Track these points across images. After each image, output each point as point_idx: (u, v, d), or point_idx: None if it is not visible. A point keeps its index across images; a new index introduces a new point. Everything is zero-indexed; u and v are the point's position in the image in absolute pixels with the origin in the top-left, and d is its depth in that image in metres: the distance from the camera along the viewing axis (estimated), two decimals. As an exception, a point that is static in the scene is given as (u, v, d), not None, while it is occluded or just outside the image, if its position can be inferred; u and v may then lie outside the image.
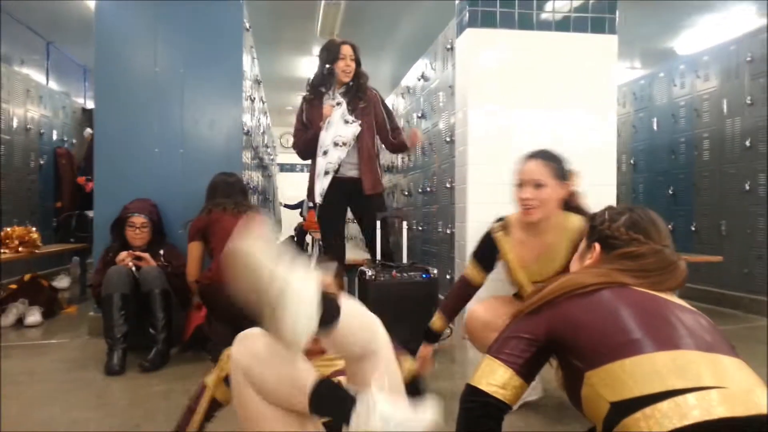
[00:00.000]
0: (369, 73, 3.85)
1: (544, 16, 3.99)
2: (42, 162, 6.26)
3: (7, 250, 4.21)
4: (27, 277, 4.62)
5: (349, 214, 4.03)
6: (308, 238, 10.57)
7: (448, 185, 4.36)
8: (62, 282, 5.61)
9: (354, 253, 5.26)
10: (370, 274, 3.29)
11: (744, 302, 4.79)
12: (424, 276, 3.34)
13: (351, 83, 3.60)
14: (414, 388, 1.71)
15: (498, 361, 1.36)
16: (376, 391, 1.33)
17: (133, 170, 3.82)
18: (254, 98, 5.26)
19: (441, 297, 3.26)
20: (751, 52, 4.72)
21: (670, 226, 4.62)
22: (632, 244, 1.44)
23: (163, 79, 3.88)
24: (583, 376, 1.25)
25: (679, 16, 6.80)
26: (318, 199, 3.43)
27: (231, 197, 3.38)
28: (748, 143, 4.72)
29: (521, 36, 3.96)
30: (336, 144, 3.48)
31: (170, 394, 2.68)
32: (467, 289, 2.48)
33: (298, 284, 1.29)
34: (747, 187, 4.73)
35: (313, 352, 1.62)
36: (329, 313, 1.35)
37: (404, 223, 3.66)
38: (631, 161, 6.25)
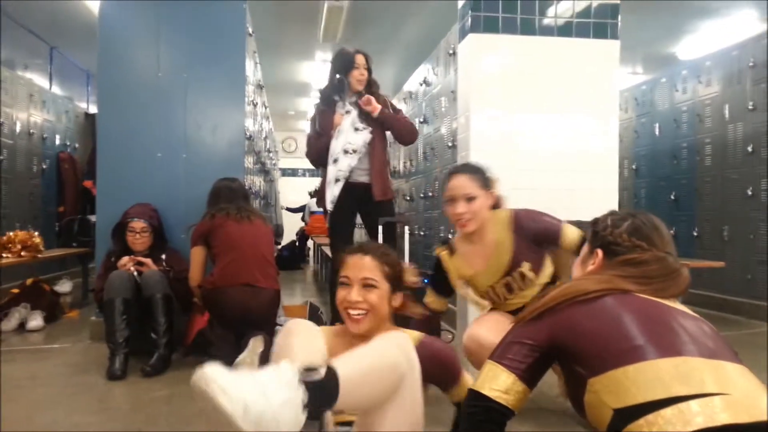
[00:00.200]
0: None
1: (546, 21, 4.00)
2: (45, 167, 6.27)
3: (9, 255, 4.22)
4: (29, 281, 4.62)
5: (357, 219, 4.03)
6: (310, 243, 10.61)
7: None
8: (64, 286, 5.61)
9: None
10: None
11: (746, 308, 4.78)
12: (425, 281, 3.33)
13: (363, 91, 3.62)
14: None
15: (501, 366, 1.35)
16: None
17: (136, 174, 3.82)
18: (256, 103, 5.28)
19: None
20: (754, 57, 4.72)
21: (672, 232, 4.63)
22: (635, 251, 1.44)
23: (165, 83, 3.90)
24: (586, 382, 1.25)
25: (681, 22, 6.81)
26: (329, 207, 3.44)
27: (233, 202, 3.38)
28: (750, 149, 4.72)
29: (523, 41, 3.96)
30: (346, 151, 3.49)
31: (172, 399, 2.68)
32: (434, 317, 2.56)
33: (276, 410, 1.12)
34: (749, 193, 4.72)
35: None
36: (322, 401, 1.19)
37: (406, 228, 3.66)
38: (633, 166, 6.25)
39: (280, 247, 9.53)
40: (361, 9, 6.32)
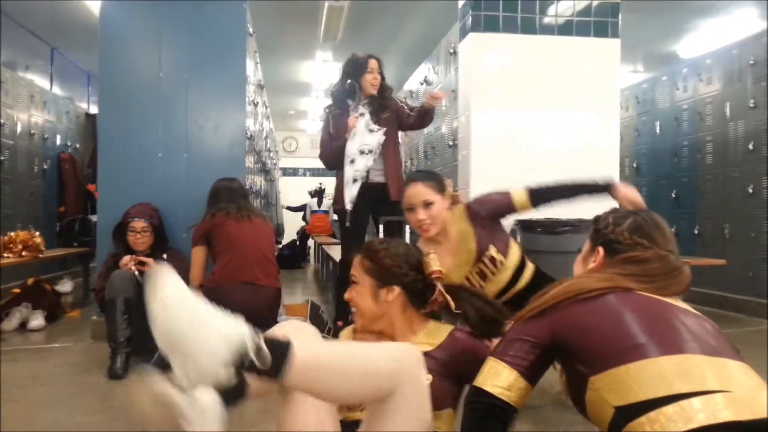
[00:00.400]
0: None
1: (546, 20, 4.00)
2: (46, 167, 6.28)
3: (10, 255, 4.22)
4: (30, 281, 4.63)
5: None
6: (310, 242, 10.62)
7: (451, 189, 4.35)
8: (65, 286, 5.61)
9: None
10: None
11: (748, 305, 4.78)
12: None
13: (376, 95, 3.64)
14: None
15: (503, 362, 1.35)
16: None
17: (137, 174, 3.83)
18: (257, 103, 5.28)
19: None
20: (754, 55, 4.72)
21: (673, 230, 4.61)
22: (636, 249, 1.43)
23: (167, 83, 3.90)
24: (588, 381, 1.24)
25: (682, 20, 6.80)
26: (348, 206, 3.46)
27: (233, 202, 3.38)
28: (751, 146, 4.72)
29: (524, 40, 3.97)
30: (362, 152, 3.53)
31: (174, 398, 2.67)
32: None
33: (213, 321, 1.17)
34: (750, 191, 4.72)
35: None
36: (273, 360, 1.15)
37: (407, 227, 3.66)
38: (634, 164, 6.25)
39: (280, 246, 9.54)
40: (362, 8, 6.32)
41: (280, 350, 1.16)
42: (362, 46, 7.56)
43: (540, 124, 3.98)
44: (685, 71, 5.57)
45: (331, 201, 3.73)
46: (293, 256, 9.59)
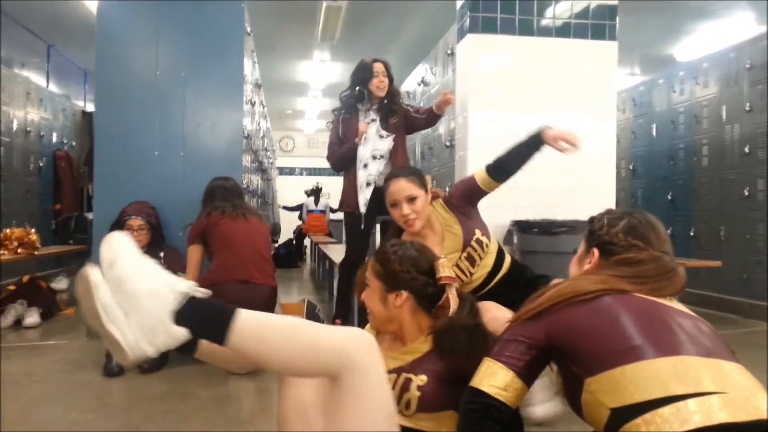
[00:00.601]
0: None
1: (544, 22, 4.00)
2: (41, 164, 6.26)
3: (6, 252, 4.21)
4: (26, 278, 4.61)
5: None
6: (307, 241, 10.61)
7: (447, 189, 4.36)
8: (61, 284, 5.60)
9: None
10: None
11: (743, 307, 4.80)
12: None
13: (385, 100, 3.66)
14: None
15: (499, 363, 1.36)
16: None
17: (134, 173, 3.82)
18: (254, 102, 5.27)
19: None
20: (751, 59, 4.73)
21: (669, 232, 4.62)
22: (631, 250, 1.43)
23: (164, 82, 3.89)
24: (583, 382, 1.25)
25: (679, 23, 6.83)
26: (362, 209, 3.51)
27: (228, 201, 3.38)
28: (747, 149, 4.74)
29: (522, 42, 3.97)
30: (374, 157, 3.58)
31: (169, 396, 2.68)
32: None
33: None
34: (746, 193, 4.74)
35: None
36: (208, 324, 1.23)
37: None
38: (631, 167, 6.26)
39: (277, 245, 9.53)
40: (360, 9, 6.33)
41: (225, 312, 1.24)
42: (360, 46, 7.59)
43: (537, 126, 3.98)
44: (681, 74, 5.59)
45: (338, 202, 3.75)
46: (290, 256, 9.58)
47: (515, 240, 3.68)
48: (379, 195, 3.66)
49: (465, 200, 2.49)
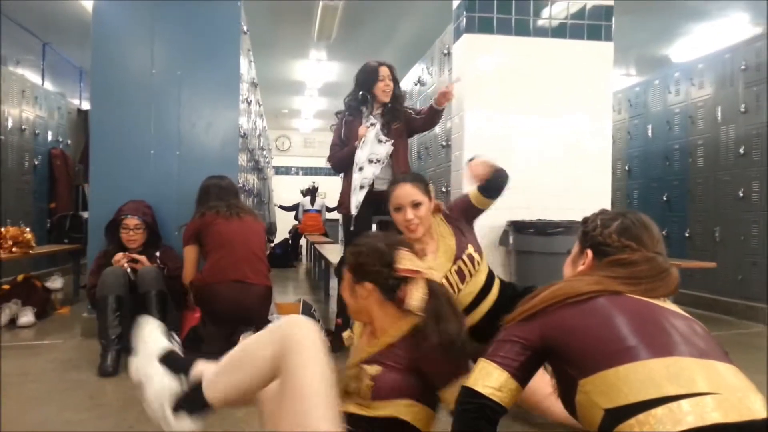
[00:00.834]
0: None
1: (540, 22, 4.01)
2: (37, 163, 6.24)
3: (0, 251, 4.19)
4: (20, 277, 4.60)
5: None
6: (302, 241, 10.60)
7: (444, 189, 4.36)
8: (56, 283, 5.58)
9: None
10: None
11: (737, 308, 4.81)
12: None
13: (389, 104, 3.66)
14: None
15: (493, 363, 1.36)
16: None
17: (129, 172, 3.81)
18: (251, 101, 5.27)
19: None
20: (746, 60, 4.75)
21: (663, 232, 4.61)
22: (624, 252, 1.44)
23: (159, 81, 3.88)
24: (577, 383, 1.25)
25: (674, 24, 6.84)
26: (353, 211, 3.51)
27: (224, 200, 3.38)
28: (742, 151, 4.75)
29: (518, 42, 3.98)
30: (371, 161, 3.59)
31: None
32: None
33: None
34: (741, 194, 4.75)
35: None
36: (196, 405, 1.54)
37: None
38: (626, 167, 6.28)
39: (272, 245, 9.52)
40: (356, 8, 6.32)
41: (198, 393, 1.54)
42: (356, 45, 7.58)
43: (533, 126, 3.99)
44: (677, 75, 5.61)
45: (336, 203, 3.75)
46: (285, 255, 9.57)
47: (511, 240, 3.69)
48: (376, 196, 3.67)
49: (463, 216, 2.54)
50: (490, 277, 2.54)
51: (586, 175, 4.00)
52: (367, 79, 3.66)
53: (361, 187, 3.55)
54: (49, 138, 6.60)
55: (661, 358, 1.18)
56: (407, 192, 2.40)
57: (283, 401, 1.43)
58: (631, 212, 1.53)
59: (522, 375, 1.36)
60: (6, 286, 4.48)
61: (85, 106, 7.86)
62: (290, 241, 10.22)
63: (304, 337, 1.46)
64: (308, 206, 10.00)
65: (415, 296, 1.63)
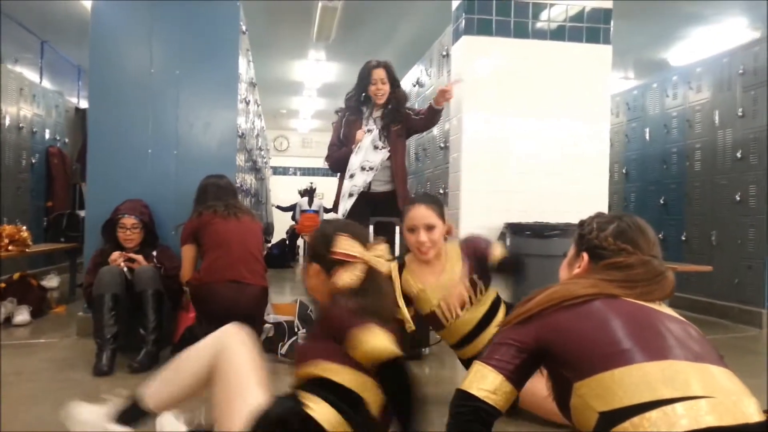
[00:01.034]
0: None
1: (539, 25, 4.02)
2: (34, 161, 6.23)
3: (-4, 249, 4.18)
4: (16, 275, 4.59)
5: None
6: (300, 242, 10.59)
7: (441, 191, 4.37)
8: (52, 281, 5.56)
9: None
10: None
11: (733, 312, 4.82)
12: None
13: (389, 105, 3.65)
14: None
15: (488, 366, 1.36)
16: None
17: (126, 171, 3.81)
18: (249, 101, 5.26)
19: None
20: (744, 64, 4.76)
21: (660, 236, 4.61)
22: (620, 255, 1.44)
23: (158, 80, 3.88)
24: (572, 386, 1.25)
25: (673, 28, 6.86)
26: (340, 218, 3.51)
27: (222, 199, 3.37)
28: (739, 155, 4.76)
29: (517, 44, 3.98)
30: (363, 168, 3.59)
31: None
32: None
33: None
34: (738, 198, 4.76)
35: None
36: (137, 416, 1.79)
37: (397, 228, 3.67)
38: (624, 170, 6.29)
39: (270, 245, 9.51)
40: (355, 9, 6.33)
41: (136, 405, 1.78)
42: (355, 46, 7.58)
43: (531, 128, 3.99)
44: (675, 79, 5.62)
45: (332, 203, 3.76)
46: (282, 256, 9.56)
47: (508, 242, 3.69)
48: (373, 197, 3.67)
49: (473, 256, 2.47)
50: (495, 306, 2.51)
51: (583, 177, 4.00)
52: (362, 80, 3.66)
53: (350, 194, 3.55)
54: (47, 136, 6.59)
55: (656, 361, 1.19)
56: (422, 214, 2.41)
57: (220, 393, 1.66)
58: (627, 215, 1.53)
59: (517, 378, 1.36)
60: (2, 285, 4.47)
61: (83, 104, 7.85)
62: (287, 242, 10.21)
63: (236, 343, 1.72)
64: (306, 207, 10.00)
65: (343, 277, 1.71)
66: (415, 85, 5.40)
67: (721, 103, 5.01)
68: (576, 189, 3.96)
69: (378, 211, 3.68)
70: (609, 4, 4.06)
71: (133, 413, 1.79)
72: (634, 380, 1.16)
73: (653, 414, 1.11)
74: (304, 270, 1.90)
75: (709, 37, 6.93)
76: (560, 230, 3.40)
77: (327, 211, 9.73)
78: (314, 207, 9.95)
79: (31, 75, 7.33)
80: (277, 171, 14.32)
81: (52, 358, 3.32)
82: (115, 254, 3.33)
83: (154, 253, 3.49)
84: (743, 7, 6.14)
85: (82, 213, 5.04)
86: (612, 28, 4.07)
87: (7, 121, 5.67)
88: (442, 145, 4.45)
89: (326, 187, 11.08)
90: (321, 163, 3.82)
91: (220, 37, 3.96)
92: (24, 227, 4.49)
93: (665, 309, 1.36)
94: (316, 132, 14.28)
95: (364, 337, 1.56)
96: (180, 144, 3.89)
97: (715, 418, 1.08)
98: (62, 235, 5.73)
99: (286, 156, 14.79)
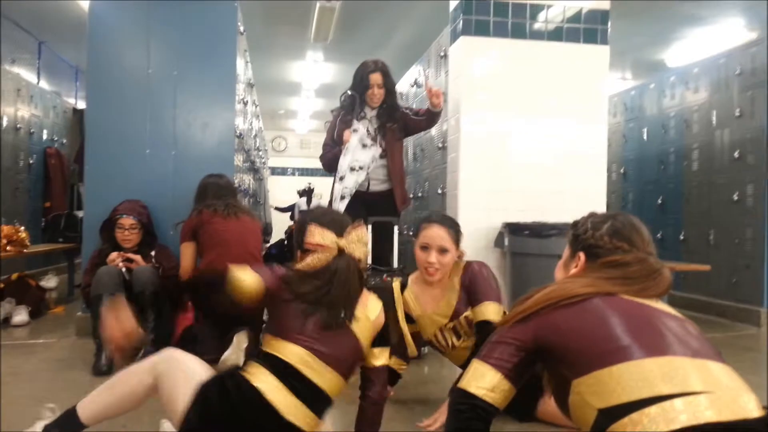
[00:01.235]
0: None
1: (537, 25, 4.02)
2: (31, 161, 6.22)
3: (-6, 249, 4.18)
4: (14, 276, 4.58)
5: None
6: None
7: (439, 191, 4.37)
8: (50, 282, 5.55)
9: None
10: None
11: (731, 311, 4.83)
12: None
13: (384, 105, 3.64)
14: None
15: (487, 365, 1.37)
16: None
17: (125, 171, 3.81)
18: (247, 101, 5.26)
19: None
20: (741, 65, 4.77)
21: (658, 235, 4.62)
22: (616, 253, 1.45)
23: (155, 80, 3.88)
24: (571, 384, 1.26)
25: (670, 29, 6.86)
26: None
27: (222, 199, 3.37)
28: (736, 154, 4.77)
29: (514, 45, 3.99)
30: (352, 169, 3.56)
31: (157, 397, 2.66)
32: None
33: None
34: (735, 198, 4.77)
35: None
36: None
37: (395, 228, 3.67)
38: (622, 170, 6.30)
39: (268, 245, 9.49)
40: (353, 9, 6.32)
41: (71, 415, 1.84)
42: (353, 47, 7.58)
43: (529, 129, 4.00)
44: (672, 79, 5.63)
45: (328, 205, 3.75)
46: (281, 255, 9.54)
47: (506, 242, 3.70)
48: (371, 197, 3.67)
49: (469, 293, 2.41)
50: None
51: (581, 177, 4.01)
52: (358, 82, 3.66)
53: (342, 197, 3.53)
54: (45, 137, 6.58)
55: (654, 357, 1.19)
56: (439, 235, 2.36)
57: (164, 399, 1.75)
58: (621, 214, 1.54)
59: (515, 375, 1.36)
60: (0, 285, 4.47)
61: (81, 105, 7.83)
62: (286, 242, 10.19)
63: (173, 365, 1.76)
64: (304, 207, 9.98)
65: (305, 261, 1.82)
66: (413, 86, 5.40)
67: (718, 104, 5.02)
68: (574, 189, 3.97)
69: (374, 211, 3.67)
70: (606, 5, 4.07)
71: (68, 424, 1.83)
72: (632, 376, 1.17)
73: (652, 410, 1.11)
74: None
75: (707, 37, 6.94)
76: (558, 229, 3.41)
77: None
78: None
79: (29, 76, 7.32)
80: (275, 171, 14.31)
81: (51, 359, 3.32)
82: (113, 254, 3.33)
83: (153, 253, 3.48)
84: (740, 8, 6.14)
85: (80, 213, 5.04)
86: (609, 29, 4.08)
87: (5, 122, 5.66)
88: (440, 145, 4.45)
89: (325, 188, 11.04)
90: (319, 163, 3.81)
91: (218, 38, 3.96)
92: (22, 228, 4.49)
93: (663, 306, 1.37)
94: (315, 133, 14.26)
95: (235, 274, 1.82)
96: (178, 144, 3.88)
97: (714, 413, 1.09)
98: (60, 235, 5.72)
99: (285, 156, 14.78)
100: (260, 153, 9.00)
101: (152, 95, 3.88)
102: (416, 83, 5.28)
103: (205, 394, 1.64)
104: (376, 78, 3.61)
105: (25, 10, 6.44)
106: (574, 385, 1.25)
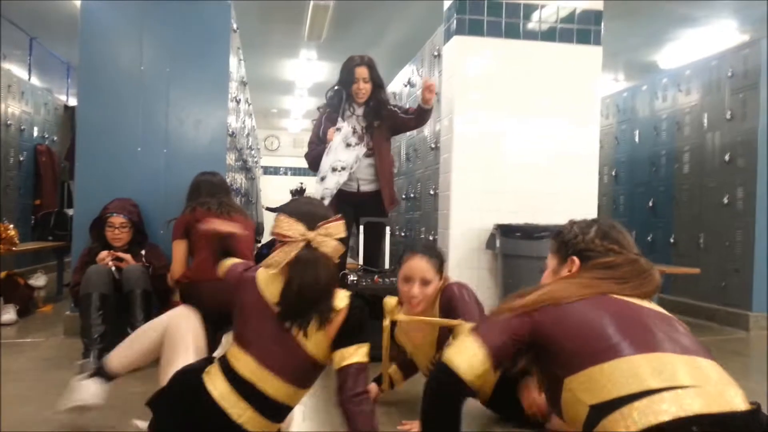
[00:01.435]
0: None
1: (530, 25, 4.03)
2: (22, 159, 6.18)
3: (-17, 247, 4.15)
4: (3, 274, 4.54)
5: None
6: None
7: (432, 192, 4.37)
8: (39, 280, 5.51)
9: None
10: (352, 278, 3.29)
11: (720, 314, 4.85)
12: None
13: (370, 102, 3.60)
14: None
15: (477, 344, 1.39)
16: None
17: (115, 169, 3.78)
18: (240, 100, 5.24)
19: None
20: (732, 67, 4.79)
21: (648, 238, 4.65)
22: (608, 255, 1.48)
23: (148, 77, 3.85)
24: (563, 382, 1.27)
25: (663, 30, 6.90)
26: None
27: (215, 197, 3.35)
28: (727, 157, 4.79)
29: (508, 45, 3.99)
30: (334, 169, 3.49)
31: (146, 396, 2.63)
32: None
33: None
34: (726, 201, 4.79)
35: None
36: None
37: (387, 229, 3.66)
38: (613, 172, 6.32)
39: (260, 244, 9.47)
40: (347, 8, 6.32)
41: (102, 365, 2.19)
42: (346, 45, 7.56)
43: (521, 129, 4.01)
44: (664, 81, 5.65)
45: None
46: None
47: (498, 243, 3.70)
48: (360, 197, 3.65)
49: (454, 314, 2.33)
50: None
51: (573, 179, 4.02)
52: (344, 77, 3.62)
53: (322, 198, 3.49)
54: (35, 134, 6.54)
55: (644, 354, 1.21)
56: (421, 267, 2.34)
57: (164, 358, 2.00)
58: (602, 218, 1.60)
59: (499, 362, 1.39)
60: (-12, 283, 4.43)
61: (72, 102, 7.79)
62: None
63: (181, 323, 2.05)
64: (296, 206, 9.97)
65: (273, 256, 1.77)
66: (406, 85, 5.40)
67: (709, 106, 5.04)
68: (566, 190, 3.98)
69: (362, 211, 3.64)
70: (600, 6, 4.08)
71: (99, 374, 2.17)
72: (623, 373, 1.19)
73: (642, 403, 1.14)
74: None
75: (699, 39, 6.98)
76: (550, 231, 3.40)
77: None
78: (305, 207, 9.92)
79: (20, 72, 7.27)
80: (267, 171, 14.29)
81: (39, 358, 3.30)
82: (103, 253, 3.31)
83: (143, 252, 3.46)
84: (733, 9, 6.18)
85: (70, 211, 5.01)
86: (602, 30, 4.09)
87: (-5, 118, 5.62)
88: (432, 145, 4.45)
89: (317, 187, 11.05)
90: (311, 162, 3.78)
91: (211, 35, 3.94)
92: (11, 225, 4.45)
93: (653, 305, 1.40)
94: (308, 132, 14.16)
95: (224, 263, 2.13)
96: (170, 142, 3.86)
97: (702, 405, 1.11)
98: (50, 233, 5.68)
99: (277, 156, 14.76)
100: (253, 152, 8.98)
101: (144, 92, 3.85)
102: (409, 82, 5.28)
103: (171, 385, 1.79)
104: (361, 72, 3.56)
105: (17, 6, 6.40)
106: (566, 383, 1.27)
